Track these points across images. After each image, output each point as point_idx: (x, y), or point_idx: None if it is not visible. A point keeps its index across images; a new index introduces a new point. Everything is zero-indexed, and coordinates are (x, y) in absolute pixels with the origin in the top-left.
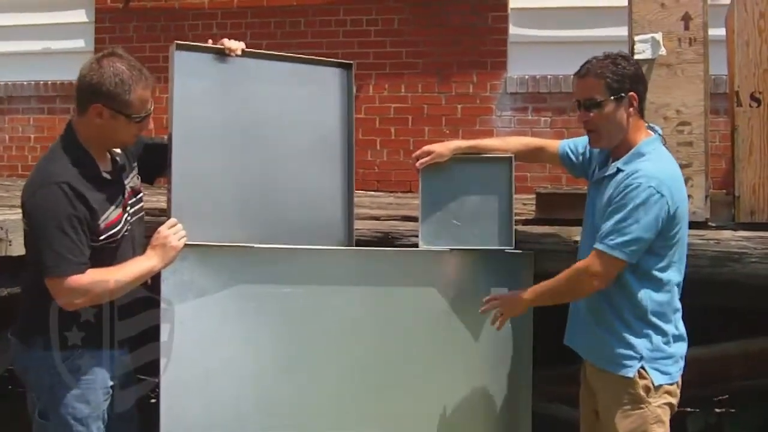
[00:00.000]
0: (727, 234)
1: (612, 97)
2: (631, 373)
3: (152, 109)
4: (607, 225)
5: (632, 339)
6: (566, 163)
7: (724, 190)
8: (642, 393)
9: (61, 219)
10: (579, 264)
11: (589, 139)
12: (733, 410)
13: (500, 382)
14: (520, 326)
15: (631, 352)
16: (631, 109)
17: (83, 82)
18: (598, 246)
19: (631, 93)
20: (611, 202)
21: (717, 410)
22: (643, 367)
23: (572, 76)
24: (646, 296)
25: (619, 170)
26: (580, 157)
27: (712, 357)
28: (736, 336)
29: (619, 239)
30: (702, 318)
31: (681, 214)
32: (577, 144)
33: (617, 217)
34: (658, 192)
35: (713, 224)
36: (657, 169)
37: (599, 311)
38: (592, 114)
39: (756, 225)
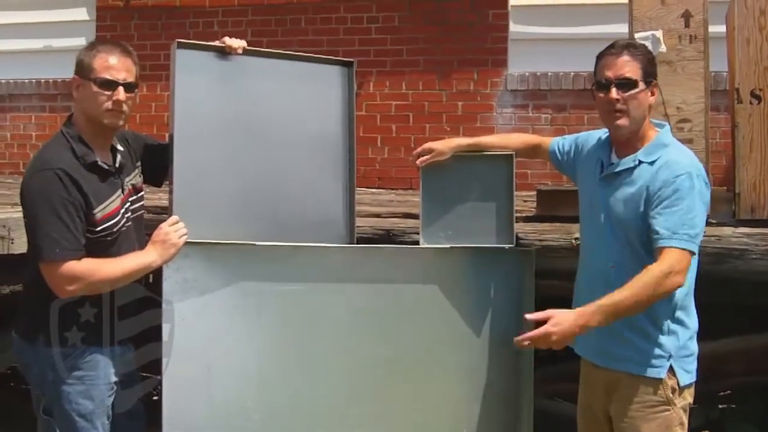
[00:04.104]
0: (727, 231)
1: (644, 81)
2: (662, 373)
3: (127, 80)
4: (671, 220)
5: (661, 337)
6: (554, 162)
7: (725, 187)
8: (670, 394)
9: (55, 203)
10: (654, 268)
11: (613, 121)
12: (734, 405)
13: (502, 379)
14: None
15: (660, 351)
16: (652, 98)
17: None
18: (673, 243)
19: (655, 83)
20: (659, 196)
21: (719, 406)
22: (671, 367)
23: (599, 55)
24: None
25: (641, 162)
26: (565, 156)
27: (713, 353)
28: (736, 332)
29: (691, 231)
30: (702, 314)
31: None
32: (565, 143)
33: (679, 210)
34: (704, 179)
35: (714, 221)
36: (691, 158)
37: None
38: (625, 94)
39: (757, 222)
